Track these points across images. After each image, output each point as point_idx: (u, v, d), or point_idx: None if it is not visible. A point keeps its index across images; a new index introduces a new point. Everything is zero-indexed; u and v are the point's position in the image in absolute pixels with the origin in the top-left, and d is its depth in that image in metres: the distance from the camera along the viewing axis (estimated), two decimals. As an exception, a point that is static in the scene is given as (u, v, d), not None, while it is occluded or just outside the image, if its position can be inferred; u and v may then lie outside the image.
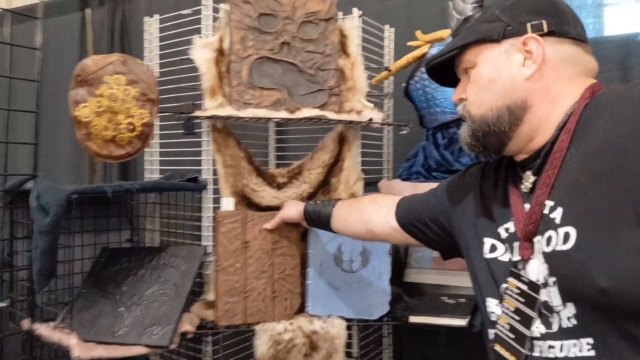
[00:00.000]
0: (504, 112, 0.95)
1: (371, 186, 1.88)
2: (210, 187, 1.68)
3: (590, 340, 0.83)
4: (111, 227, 1.84)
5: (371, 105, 1.74)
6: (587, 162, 0.85)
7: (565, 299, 0.86)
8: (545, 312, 0.89)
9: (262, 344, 1.57)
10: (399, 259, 2.02)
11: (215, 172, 1.67)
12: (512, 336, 0.93)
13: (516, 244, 0.96)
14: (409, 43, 1.92)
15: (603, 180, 0.81)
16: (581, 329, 0.84)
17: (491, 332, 1.00)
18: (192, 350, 1.74)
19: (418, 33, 1.89)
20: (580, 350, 0.84)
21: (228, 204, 1.63)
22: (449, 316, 1.63)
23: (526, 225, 0.92)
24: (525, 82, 0.94)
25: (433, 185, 1.81)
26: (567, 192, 0.87)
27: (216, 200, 1.69)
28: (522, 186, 0.97)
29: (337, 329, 1.64)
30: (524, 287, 0.91)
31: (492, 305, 0.99)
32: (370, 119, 1.68)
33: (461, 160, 1.76)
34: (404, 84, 1.89)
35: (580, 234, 0.83)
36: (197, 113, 1.58)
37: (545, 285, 0.88)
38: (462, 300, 1.74)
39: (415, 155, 1.90)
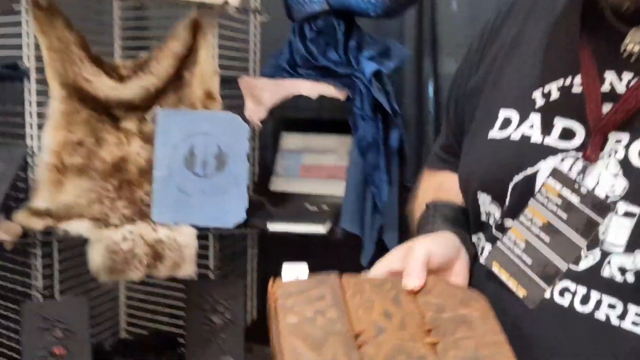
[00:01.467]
0: None
1: (232, 83, 1.69)
2: (35, 75, 1.43)
3: None
4: None
5: (229, -12, 1.52)
6: None
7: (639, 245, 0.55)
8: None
9: (96, 254, 1.39)
10: (266, 166, 1.88)
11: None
12: (529, 261, 0.62)
13: (560, 122, 0.63)
14: None
15: None
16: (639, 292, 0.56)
17: (478, 239, 0.72)
18: (21, 265, 1.53)
19: None
20: (621, 319, 0.56)
21: (294, 271, 0.68)
22: (308, 223, 1.52)
23: (613, 112, 0.58)
24: None
25: (298, 82, 1.67)
26: None
27: (42, 92, 1.44)
28: (622, 47, 0.60)
29: (186, 237, 1.48)
30: (574, 199, 0.59)
31: (487, 203, 0.69)
32: (225, 2, 1.47)
33: (329, 55, 1.60)
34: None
35: None
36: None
37: (610, 208, 0.57)
38: (325, 207, 1.63)
39: (282, 52, 1.72)
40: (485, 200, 0.70)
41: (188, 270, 1.47)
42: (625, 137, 0.58)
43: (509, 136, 0.67)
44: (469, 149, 0.74)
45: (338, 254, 1.91)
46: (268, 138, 1.90)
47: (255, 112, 1.61)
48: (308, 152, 1.86)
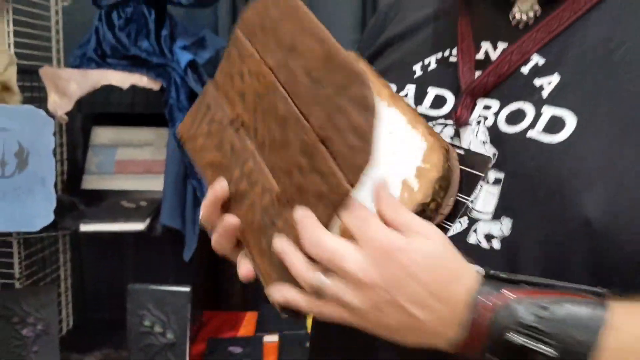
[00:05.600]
0: None
1: (33, 74, 1.54)
2: None
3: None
4: None
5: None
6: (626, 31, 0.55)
7: (506, 212, 0.53)
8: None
9: None
10: (76, 164, 1.76)
11: None
12: None
13: (433, 90, 0.62)
14: None
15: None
16: (505, 254, 0.53)
17: None
18: None
19: None
20: None
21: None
22: (125, 221, 1.45)
23: (485, 75, 0.57)
24: None
25: (107, 72, 1.57)
26: (576, 59, 0.55)
27: None
28: (511, 16, 0.59)
29: (-17, 246, 1.33)
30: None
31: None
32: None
33: (140, 44, 1.53)
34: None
35: (581, 126, 0.52)
36: None
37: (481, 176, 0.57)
38: (144, 203, 1.57)
39: (88, 41, 1.61)
40: None
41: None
42: (495, 104, 0.57)
43: None
44: None
45: (158, 252, 1.86)
46: (77, 133, 1.78)
47: (60, 105, 1.49)
48: (122, 146, 1.78)
